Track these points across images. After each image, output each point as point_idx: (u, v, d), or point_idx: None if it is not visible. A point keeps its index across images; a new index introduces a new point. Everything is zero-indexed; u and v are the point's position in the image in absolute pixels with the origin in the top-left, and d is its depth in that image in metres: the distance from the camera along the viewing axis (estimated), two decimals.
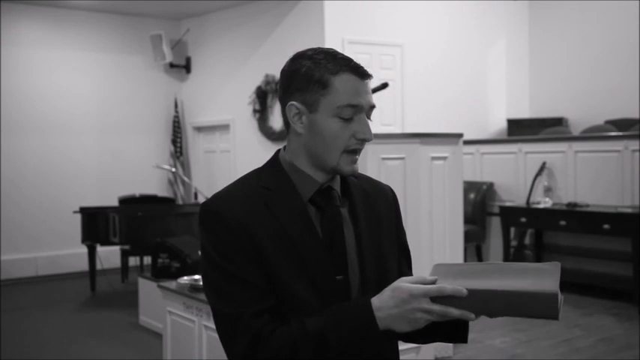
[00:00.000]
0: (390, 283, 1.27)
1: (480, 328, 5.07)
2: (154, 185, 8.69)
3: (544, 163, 6.80)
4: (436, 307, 1.21)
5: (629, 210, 5.95)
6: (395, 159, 4.39)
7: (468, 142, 6.51)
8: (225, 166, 8.54)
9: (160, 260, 5.23)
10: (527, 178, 6.99)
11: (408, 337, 1.34)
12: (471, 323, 1.34)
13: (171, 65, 8.89)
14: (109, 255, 7.66)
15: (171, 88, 9.07)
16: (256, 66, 7.84)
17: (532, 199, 6.80)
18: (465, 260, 5.87)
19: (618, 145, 6.32)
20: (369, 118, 1.37)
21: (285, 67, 1.39)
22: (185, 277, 4.07)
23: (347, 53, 1.52)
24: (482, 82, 8.20)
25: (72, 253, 8.03)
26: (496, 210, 7.20)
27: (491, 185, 7.34)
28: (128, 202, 7.24)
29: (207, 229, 1.35)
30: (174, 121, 8.94)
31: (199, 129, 9.09)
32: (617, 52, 7.64)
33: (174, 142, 8.90)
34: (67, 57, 8.32)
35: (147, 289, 5.44)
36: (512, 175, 7.19)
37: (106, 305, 6.46)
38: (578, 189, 6.59)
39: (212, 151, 8.95)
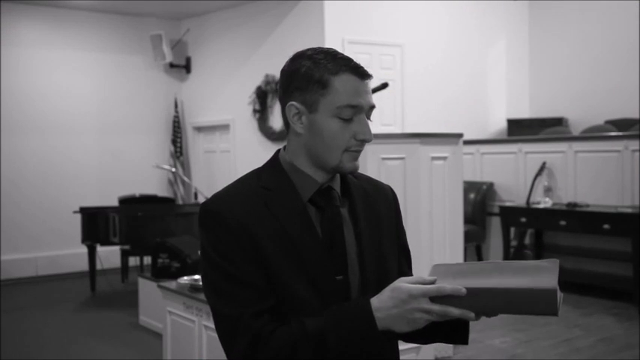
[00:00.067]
0: (390, 284, 1.27)
1: (480, 328, 5.07)
2: (154, 185, 8.69)
3: (544, 163, 6.80)
4: (435, 307, 1.21)
5: (629, 210, 5.95)
6: (395, 159, 4.39)
7: (468, 142, 6.51)
8: (225, 166, 8.54)
9: (159, 260, 5.23)
10: (527, 178, 6.99)
11: (408, 338, 1.34)
12: (471, 323, 1.34)
13: (171, 65, 8.89)
14: (109, 255, 7.66)
15: (171, 88, 9.07)
16: (256, 66, 7.84)
17: (532, 199, 6.80)
18: (465, 260, 5.87)
19: (618, 145, 6.32)
20: (369, 118, 1.37)
21: (284, 67, 1.39)
22: (185, 277, 4.07)
23: (347, 53, 1.52)
24: (482, 82, 8.20)
25: (72, 253, 8.03)
26: (496, 210, 7.20)
27: (491, 185, 7.34)
28: (128, 202, 7.24)
29: (207, 229, 1.35)
30: (174, 121, 8.94)
31: (199, 129, 9.09)
32: (617, 52, 7.64)
33: (174, 142, 8.90)
34: (67, 57, 8.32)
35: (147, 289, 5.44)
36: (512, 175, 7.19)
37: (106, 305, 6.46)
38: (578, 189, 6.59)
39: (212, 151, 8.95)
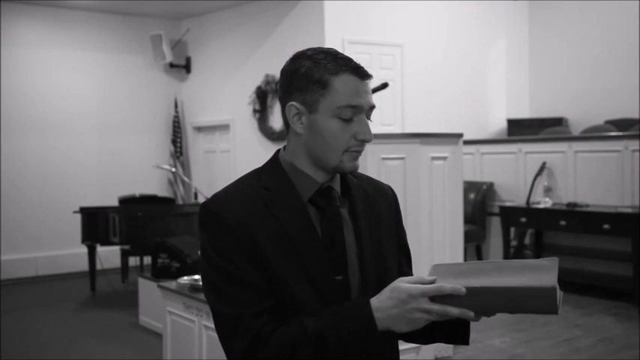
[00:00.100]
0: (390, 284, 1.27)
1: (480, 328, 5.06)
2: (154, 185, 8.69)
3: (544, 163, 6.80)
4: (435, 307, 1.21)
5: (629, 210, 5.95)
6: (395, 159, 4.39)
7: (468, 142, 6.51)
8: (225, 166, 8.54)
9: (159, 260, 5.23)
10: (527, 178, 6.99)
11: (408, 338, 1.34)
12: (471, 323, 1.34)
13: (171, 65, 8.89)
14: (109, 255, 7.66)
15: (171, 88, 9.07)
16: (256, 66, 7.84)
17: (532, 199, 6.80)
18: (465, 260, 5.87)
19: (618, 145, 6.32)
20: (369, 118, 1.37)
21: (284, 67, 1.39)
22: (185, 277, 4.07)
23: (347, 53, 1.52)
24: (482, 82, 8.20)
25: (72, 253, 8.03)
26: (496, 210, 7.20)
27: (491, 185, 7.35)
28: (128, 202, 7.24)
29: (206, 229, 1.35)
30: (174, 121, 8.94)
31: (199, 129, 9.09)
32: (617, 52, 7.64)
33: (174, 142, 8.90)
34: (67, 57, 8.32)
35: (147, 289, 5.44)
36: (512, 175, 7.19)
37: (106, 305, 6.46)
38: (578, 189, 6.59)
39: (212, 151, 8.95)
